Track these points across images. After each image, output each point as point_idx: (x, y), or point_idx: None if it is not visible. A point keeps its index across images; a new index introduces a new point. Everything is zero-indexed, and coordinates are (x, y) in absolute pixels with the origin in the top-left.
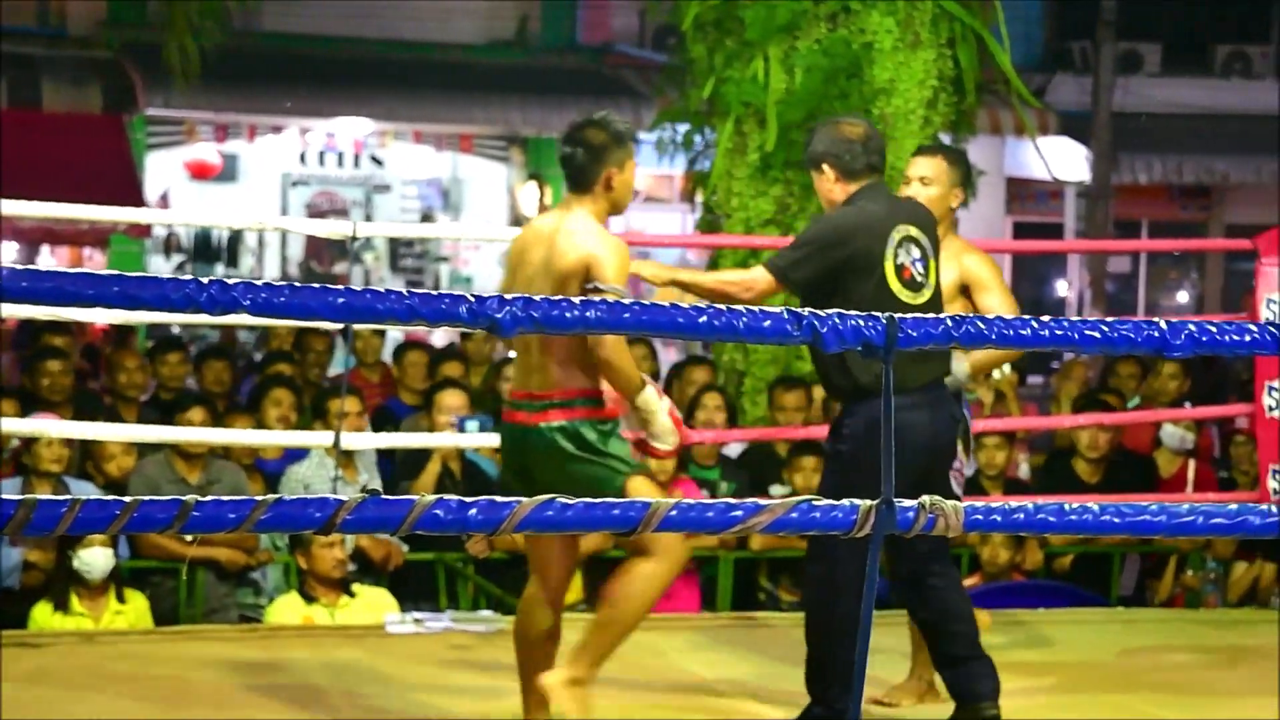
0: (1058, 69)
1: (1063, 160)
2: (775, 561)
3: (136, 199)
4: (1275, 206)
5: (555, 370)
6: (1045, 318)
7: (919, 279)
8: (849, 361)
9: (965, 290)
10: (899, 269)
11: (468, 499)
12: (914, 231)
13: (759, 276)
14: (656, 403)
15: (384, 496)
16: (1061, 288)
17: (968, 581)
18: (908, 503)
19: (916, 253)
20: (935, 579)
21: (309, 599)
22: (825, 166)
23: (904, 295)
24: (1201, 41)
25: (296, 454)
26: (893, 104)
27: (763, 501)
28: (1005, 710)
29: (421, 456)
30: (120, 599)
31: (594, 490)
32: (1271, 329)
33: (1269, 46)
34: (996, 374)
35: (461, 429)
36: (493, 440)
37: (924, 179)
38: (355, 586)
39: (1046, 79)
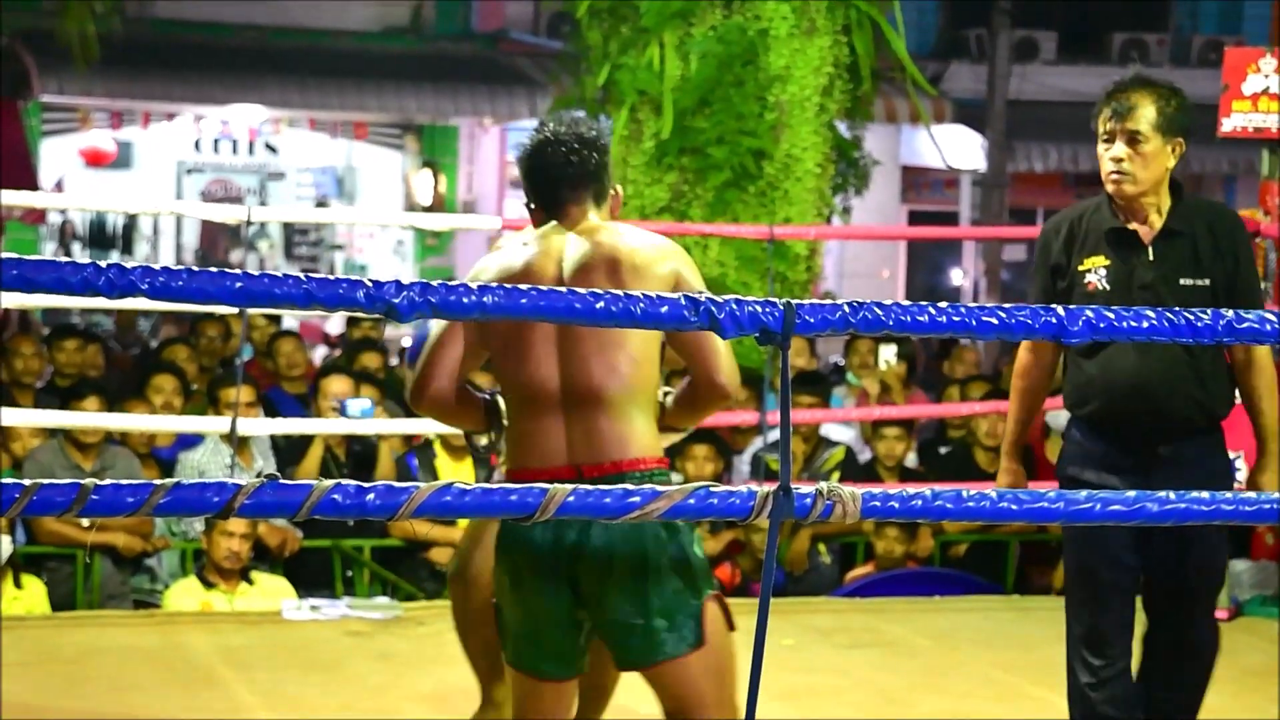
0: (953, 57)
1: (958, 148)
2: None
3: (32, 186)
4: None
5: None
6: (943, 304)
7: None
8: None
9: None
10: None
11: (365, 484)
12: None
13: None
14: None
15: (281, 481)
16: (956, 276)
17: (861, 570)
18: (805, 489)
19: None
20: None
21: (208, 585)
22: (1183, 141)
23: None
24: (1097, 29)
25: (188, 440)
26: (788, 91)
27: (659, 488)
28: (898, 697)
29: (307, 444)
30: (17, 585)
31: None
32: (1169, 316)
33: (1165, 35)
34: (883, 364)
35: (343, 413)
36: (375, 424)
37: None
38: (254, 574)
39: (942, 67)
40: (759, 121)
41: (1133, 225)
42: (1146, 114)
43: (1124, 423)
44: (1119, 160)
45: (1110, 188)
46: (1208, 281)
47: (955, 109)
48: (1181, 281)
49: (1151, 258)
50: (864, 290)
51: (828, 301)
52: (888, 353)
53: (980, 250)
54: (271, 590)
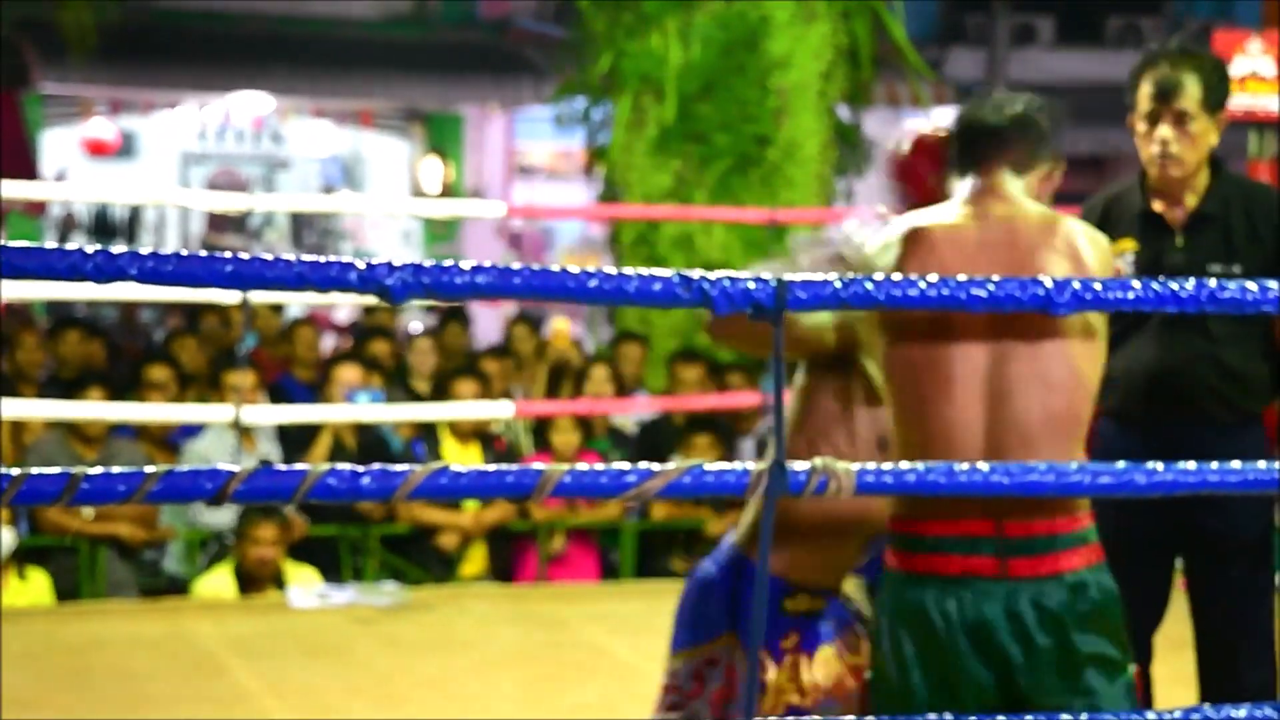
0: (953, 42)
1: None
2: (677, 531)
3: (31, 177)
4: None
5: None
6: (933, 278)
7: None
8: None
9: None
10: None
11: (360, 468)
12: None
13: None
14: None
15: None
16: None
17: None
18: (800, 465)
19: None
20: None
21: (242, 591)
22: (1224, 115)
23: None
24: (1094, 14)
25: (190, 430)
26: (789, 77)
27: (655, 467)
28: None
29: (316, 432)
30: (21, 576)
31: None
32: (1155, 287)
33: (1160, 19)
34: None
35: (351, 402)
36: (383, 411)
37: None
38: (286, 571)
39: (942, 52)
40: (761, 107)
41: (1163, 208)
42: (1192, 91)
43: (1144, 416)
44: (1166, 143)
45: (1154, 171)
46: (1239, 268)
47: (956, 93)
48: (1210, 268)
49: (1180, 244)
50: None
51: (819, 278)
52: None
53: None
54: (303, 581)
